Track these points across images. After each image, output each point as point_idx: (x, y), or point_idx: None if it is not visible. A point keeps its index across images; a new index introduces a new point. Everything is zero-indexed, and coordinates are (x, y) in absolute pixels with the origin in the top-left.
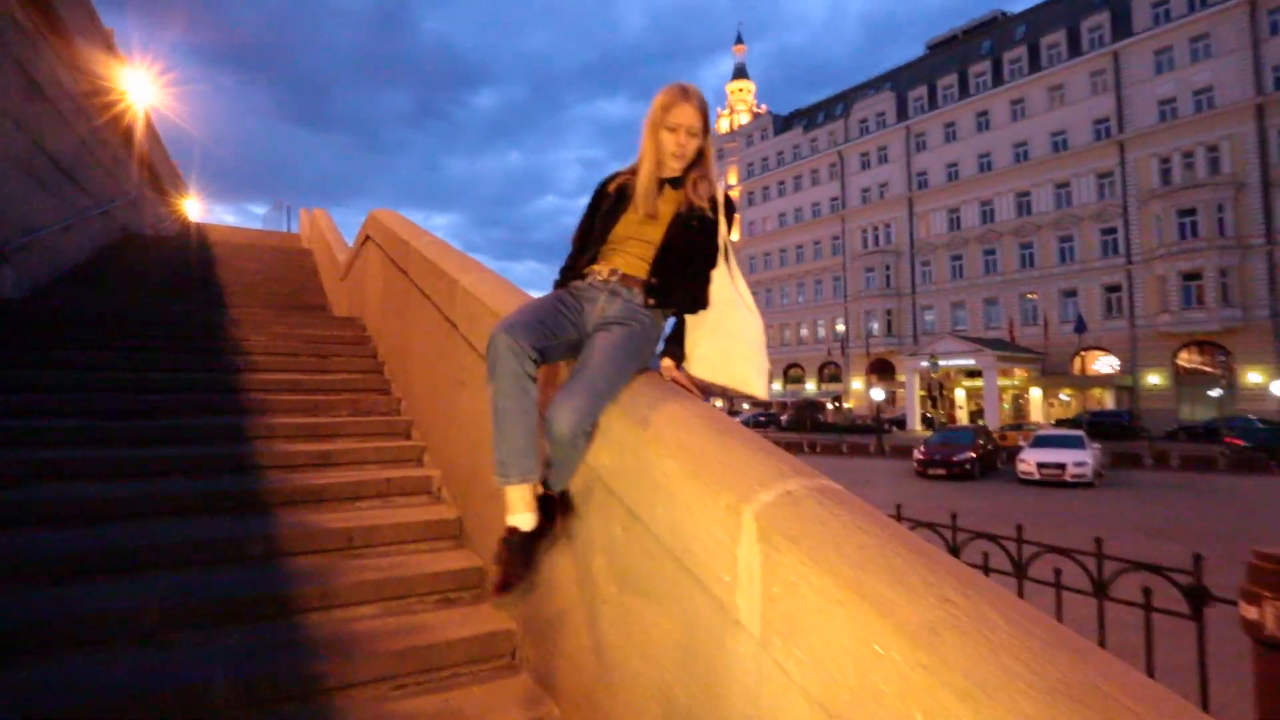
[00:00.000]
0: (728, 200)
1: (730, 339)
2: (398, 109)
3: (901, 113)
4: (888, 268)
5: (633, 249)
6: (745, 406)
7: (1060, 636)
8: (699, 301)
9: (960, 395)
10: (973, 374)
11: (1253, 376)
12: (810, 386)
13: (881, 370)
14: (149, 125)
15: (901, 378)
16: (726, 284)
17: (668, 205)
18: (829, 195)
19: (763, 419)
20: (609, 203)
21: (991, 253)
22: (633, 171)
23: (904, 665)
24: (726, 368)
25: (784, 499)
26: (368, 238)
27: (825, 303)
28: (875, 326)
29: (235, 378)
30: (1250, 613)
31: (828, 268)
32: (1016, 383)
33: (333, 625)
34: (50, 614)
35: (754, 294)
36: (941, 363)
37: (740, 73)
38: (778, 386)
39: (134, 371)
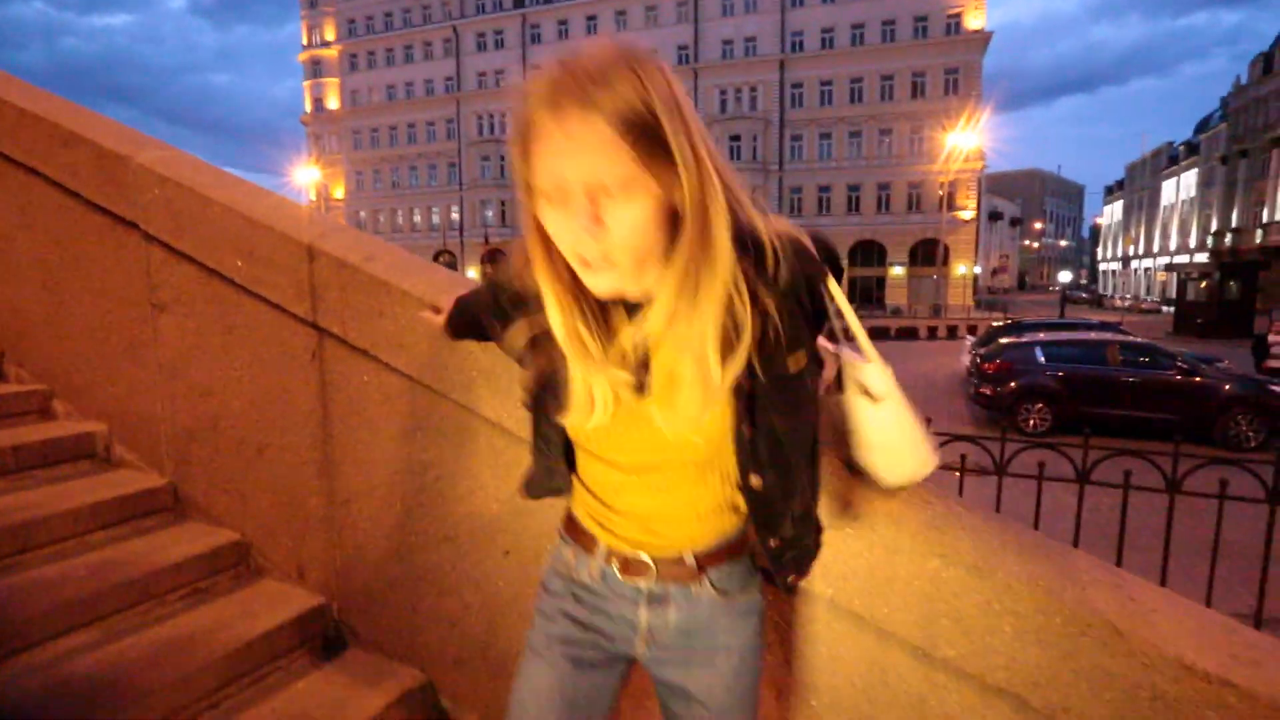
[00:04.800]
0: (804, 253)
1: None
2: None
3: None
4: (501, 157)
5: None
6: None
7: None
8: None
9: None
10: None
11: None
12: None
13: (496, 259)
14: None
15: None
16: (877, 376)
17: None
18: (443, 74)
19: None
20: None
21: None
22: None
23: None
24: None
25: None
26: None
27: (440, 189)
28: (490, 215)
29: None
30: None
31: (442, 152)
32: None
33: (39, 679)
34: None
35: (360, 175)
36: None
37: None
38: None
39: None
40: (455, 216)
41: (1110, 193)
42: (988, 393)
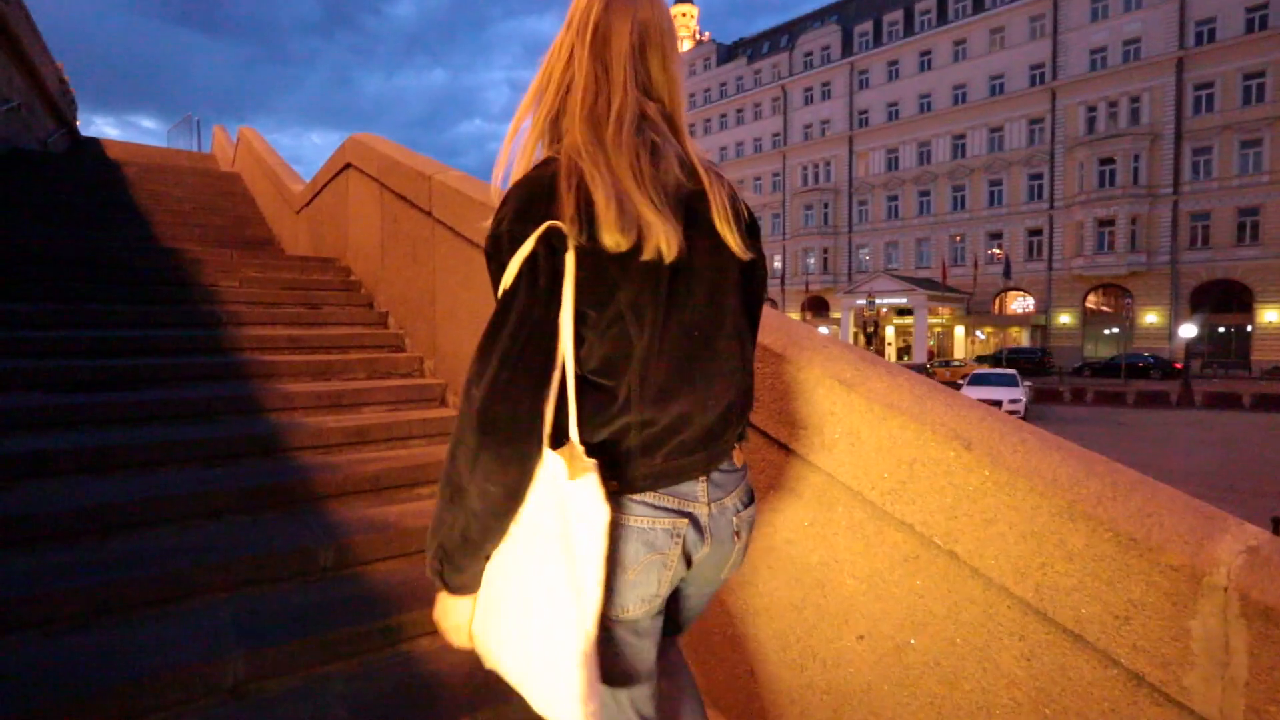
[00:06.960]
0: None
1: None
2: (303, 15)
3: (847, 48)
4: (826, 205)
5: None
6: None
7: None
8: None
9: (890, 332)
10: (903, 312)
11: (1150, 318)
12: None
13: (817, 307)
14: (25, 14)
15: (836, 314)
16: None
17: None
18: (771, 131)
19: None
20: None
21: (926, 194)
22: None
23: None
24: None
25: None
26: (348, 165)
27: (764, 239)
28: (812, 263)
29: (219, 334)
30: None
31: (767, 204)
32: (943, 320)
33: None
34: None
35: None
36: (876, 301)
37: None
38: None
39: (90, 329)
40: (778, 265)
41: None
42: None
